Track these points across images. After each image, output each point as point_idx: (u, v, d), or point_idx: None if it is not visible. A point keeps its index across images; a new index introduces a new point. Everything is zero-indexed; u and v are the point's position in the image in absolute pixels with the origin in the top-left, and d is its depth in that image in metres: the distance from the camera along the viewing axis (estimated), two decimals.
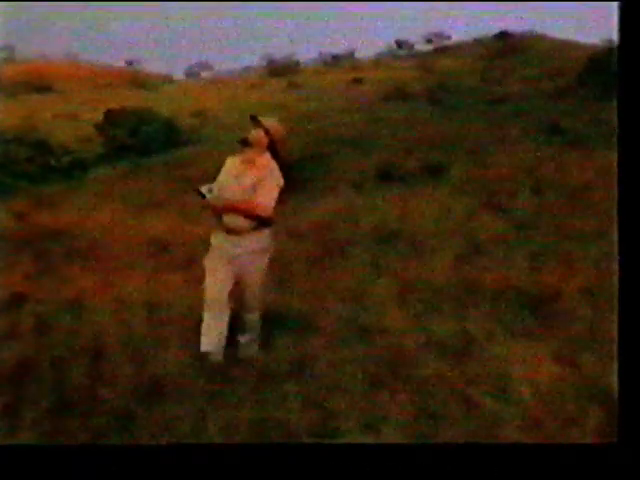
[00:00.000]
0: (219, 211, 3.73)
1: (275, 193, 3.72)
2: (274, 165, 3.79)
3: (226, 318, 3.73)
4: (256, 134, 3.78)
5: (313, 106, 21.03)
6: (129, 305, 4.70)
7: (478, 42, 33.68)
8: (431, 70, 27.88)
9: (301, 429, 2.97)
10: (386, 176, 9.94)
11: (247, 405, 3.19)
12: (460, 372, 3.50)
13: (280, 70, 31.88)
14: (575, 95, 16.92)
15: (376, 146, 12.76)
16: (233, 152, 3.94)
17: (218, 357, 3.69)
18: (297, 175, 9.06)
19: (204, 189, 3.70)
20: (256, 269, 3.76)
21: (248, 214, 3.67)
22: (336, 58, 35.09)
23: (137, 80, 33.19)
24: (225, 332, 3.73)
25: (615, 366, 2.56)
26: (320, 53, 35.94)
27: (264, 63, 34.04)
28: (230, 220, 3.69)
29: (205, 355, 3.67)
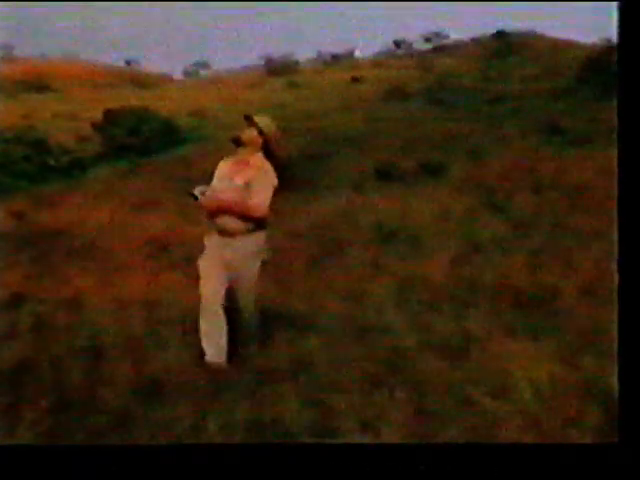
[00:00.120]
0: (212, 213, 3.67)
1: (269, 194, 3.65)
2: (268, 165, 3.73)
3: (223, 321, 3.67)
4: (250, 133, 3.72)
5: (312, 105, 21.01)
6: (128, 305, 4.70)
7: (477, 41, 33.66)
8: (430, 69, 27.86)
9: (300, 429, 2.97)
10: (385, 175, 9.94)
11: (246, 405, 3.18)
12: (459, 372, 3.50)
13: (279, 69, 31.84)
14: (574, 95, 16.91)
15: (375, 145, 12.76)
16: (231, 152, 3.91)
17: (222, 362, 3.66)
18: (296, 175, 9.06)
19: (197, 191, 3.63)
20: (249, 272, 3.68)
21: (241, 215, 3.60)
22: (335, 57, 35.07)
23: (136, 79, 33.17)
24: (225, 336, 3.67)
25: (615, 366, 2.56)
26: (319, 52, 35.91)
27: (263, 62, 34.00)
28: (223, 222, 3.63)
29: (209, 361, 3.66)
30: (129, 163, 13.56)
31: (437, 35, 34.93)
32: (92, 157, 14.63)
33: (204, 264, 3.73)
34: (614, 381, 2.61)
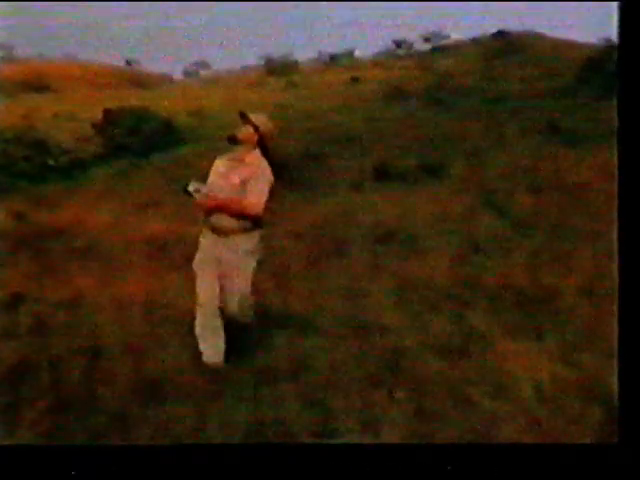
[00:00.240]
0: (208, 211, 3.64)
1: (265, 192, 3.60)
2: (264, 163, 3.68)
3: (219, 321, 3.64)
4: (245, 131, 3.68)
5: (312, 105, 21.00)
6: (128, 304, 4.70)
7: (477, 41, 33.61)
8: (430, 69, 27.84)
9: (300, 429, 2.97)
10: (385, 175, 9.93)
11: (246, 405, 3.18)
12: (459, 371, 3.50)
13: (279, 69, 31.78)
14: (574, 95, 16.90)
15: (375, 145, 12.76)
16: (229, 151, 3.88)
17: (219, 362, 3.65)
18: (295, 174, 9.06)
19: (191, 188, 3.59)
20: (243, 271, 3.63)
21: (237, 214, 3.57)
22: (335, 57, 35.02)
23: (136, 79, 33.13)
24: (222, 336, 3.66)
25: (615, 366, 2.56)
26: (319, 52, 35.85)
27: (263, 62, 33.95)
28: (218, 220, 3.60)
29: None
30: (129, 163, 13.56)
31: (437, 35, 34.85)
32: (92, 157, 14.62)
33: (199, 264, 3.70)
34: (614, 381, 2.61)
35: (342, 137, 14.09)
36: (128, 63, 36.21)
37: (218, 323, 3.65)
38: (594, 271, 5.06)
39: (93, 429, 3.02)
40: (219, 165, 3.77)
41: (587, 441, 2.76)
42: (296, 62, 33.82)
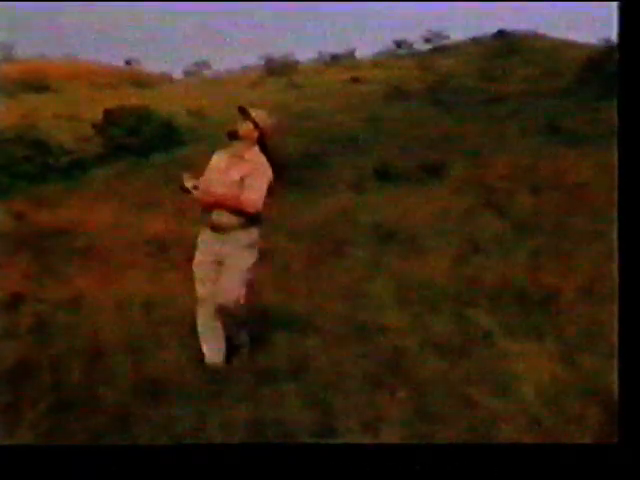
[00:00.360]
0: (206, 207, 3.63)
1: (264, 189, 3.58)
2: (264, 160, 3.66)
3: (219, 321, 3.65)
4: (245, 127, 3.65)
5: (312, 105, 21.00)
6: (128, 304, 4.70)
7: (477, 41, 33.62)
8: (430, 69, 27.84)
9: (300, 429, 2.97)
10: (385, 175, 9.95)
11: (246, 405, 3.18)
12: (459, 371, 3.50)
13: (279, 69, 31.78)
14: (574, 95, 16.91)
15: (375, 145, 12.76)
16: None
17: (220, 362, 3.66)
18: (296, 174, 9.07)
19: (189, 184, 3.57)
20: (241, 265, 3.59)
21: (235, 210, 3.54)
22: (335, 57, 35.00)
23: (136, 79, 33.11)
24: (222, 336, 3.67)
25: (615, 366, 2.55)
26: (319, 52, 35.83)
27: (263, 62, 33.94)
28: (216, 216, 3.58)
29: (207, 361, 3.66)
30: (129, 163, 13.57)
31: (437, 35, 34.83)
32: (92, 157, 14.64)
33: (199, 263, 3.70)
34: (614, 381, 2.61)
35: (342, 137, 14.10)
36: (128, 63, 36.19)
37: (218, 323, 3.66)
38: (594, 271, 5.06)
39: (93, 429, 3.02)
40: (218, 161, 3.75)
41: (587, 441, 2.76)
42: (296, 62, 33.81)
